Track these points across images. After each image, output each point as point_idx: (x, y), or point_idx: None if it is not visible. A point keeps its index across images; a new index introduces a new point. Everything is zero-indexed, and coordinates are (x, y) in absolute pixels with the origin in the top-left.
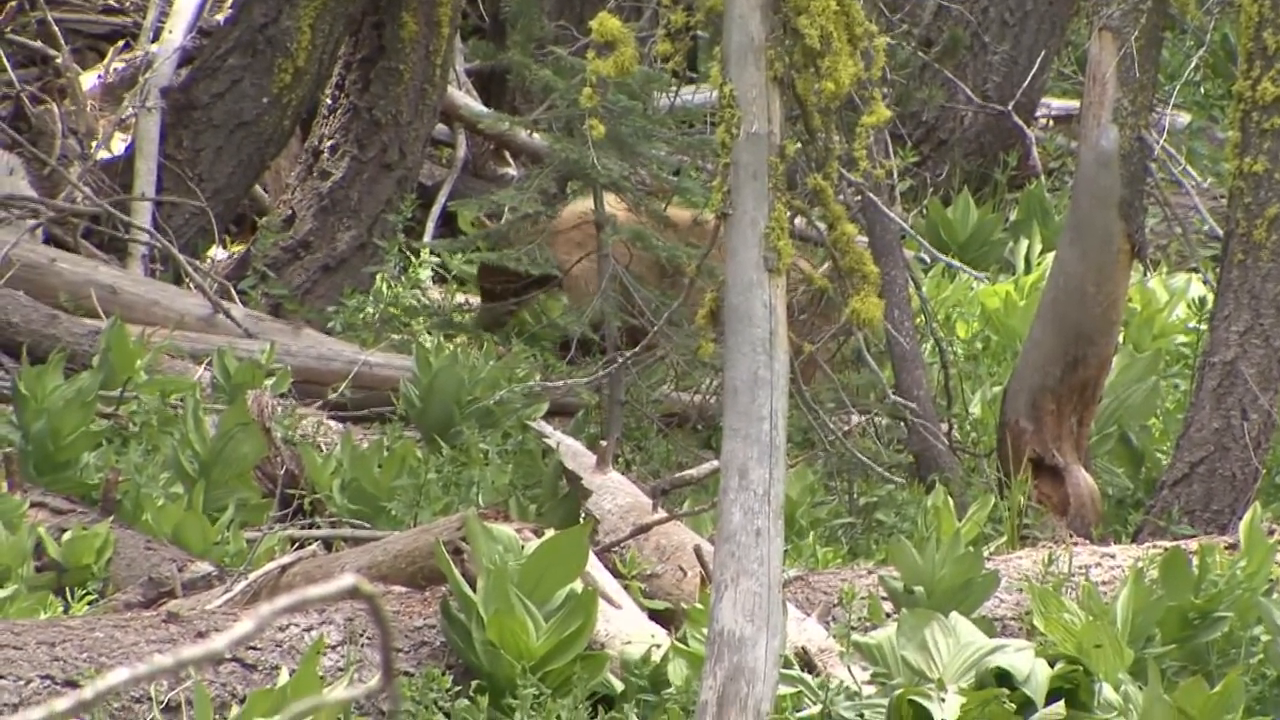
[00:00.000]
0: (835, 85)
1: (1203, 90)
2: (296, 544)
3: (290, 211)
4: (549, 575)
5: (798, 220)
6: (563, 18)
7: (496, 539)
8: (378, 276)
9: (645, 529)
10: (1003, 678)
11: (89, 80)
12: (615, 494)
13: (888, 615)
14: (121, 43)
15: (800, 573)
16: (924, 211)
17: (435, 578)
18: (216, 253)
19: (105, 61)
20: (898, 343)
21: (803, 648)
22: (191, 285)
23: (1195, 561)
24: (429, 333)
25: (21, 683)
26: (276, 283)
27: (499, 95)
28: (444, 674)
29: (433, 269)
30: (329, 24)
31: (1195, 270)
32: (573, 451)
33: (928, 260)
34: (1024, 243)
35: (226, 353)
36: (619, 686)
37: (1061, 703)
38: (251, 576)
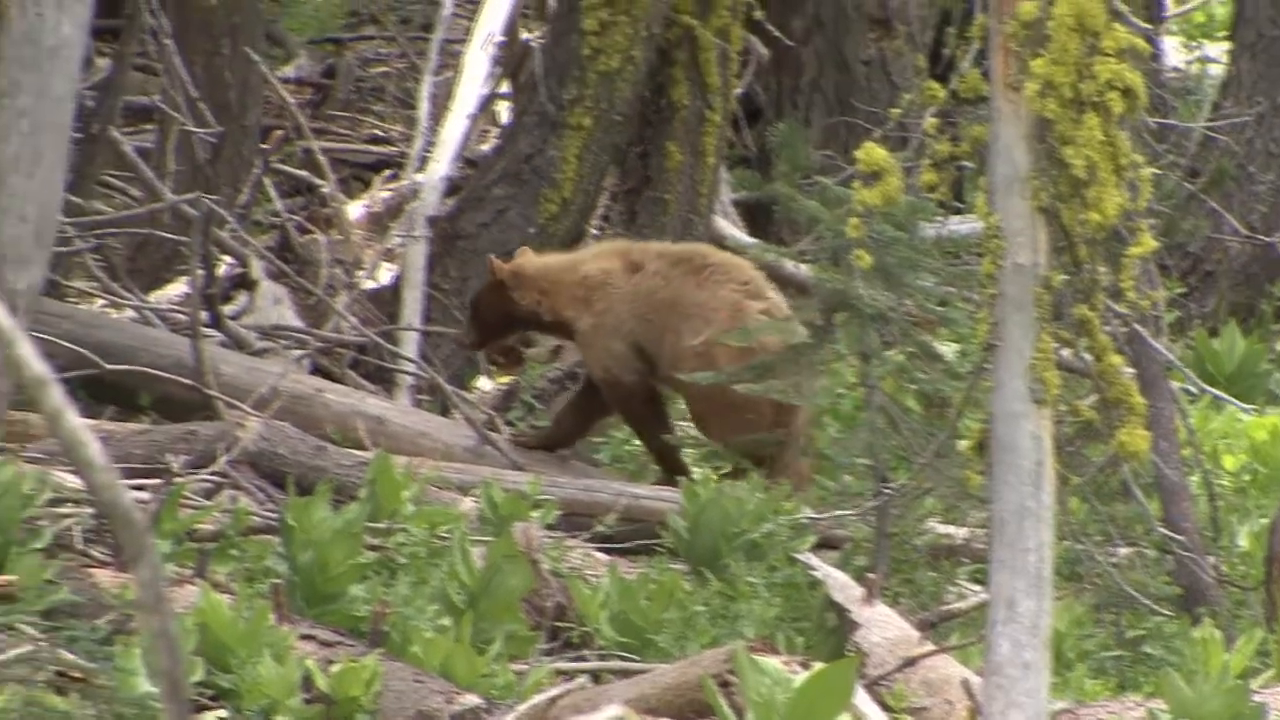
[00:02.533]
0: (1101, 216)
1: None
2: (564, 676)
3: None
4: (817, 708)
5: (1064, 351)
6: (828, 147)
7: (764, 672)
8: None
9: (913, 662)
10: None
11: (355, 210)
12: (883, 627)
13: None
14: (387, 172)
15: (1068, 705)
16: (1190, 343)
17: (703, 710)
18: (483, 383)
19: (371, 191)
20: (1164, 474)
21: None
22: (459, 416)
23: None
24: (697, 465)
25: None
26: (544, 414)
27: (765, 225)
28: None
29: None
30: (594, 154)
31: None
32: (840, 584)
33: (1194, 392)
34: None
35: (493, 484)
36: None
37: None
38: (520, 709)
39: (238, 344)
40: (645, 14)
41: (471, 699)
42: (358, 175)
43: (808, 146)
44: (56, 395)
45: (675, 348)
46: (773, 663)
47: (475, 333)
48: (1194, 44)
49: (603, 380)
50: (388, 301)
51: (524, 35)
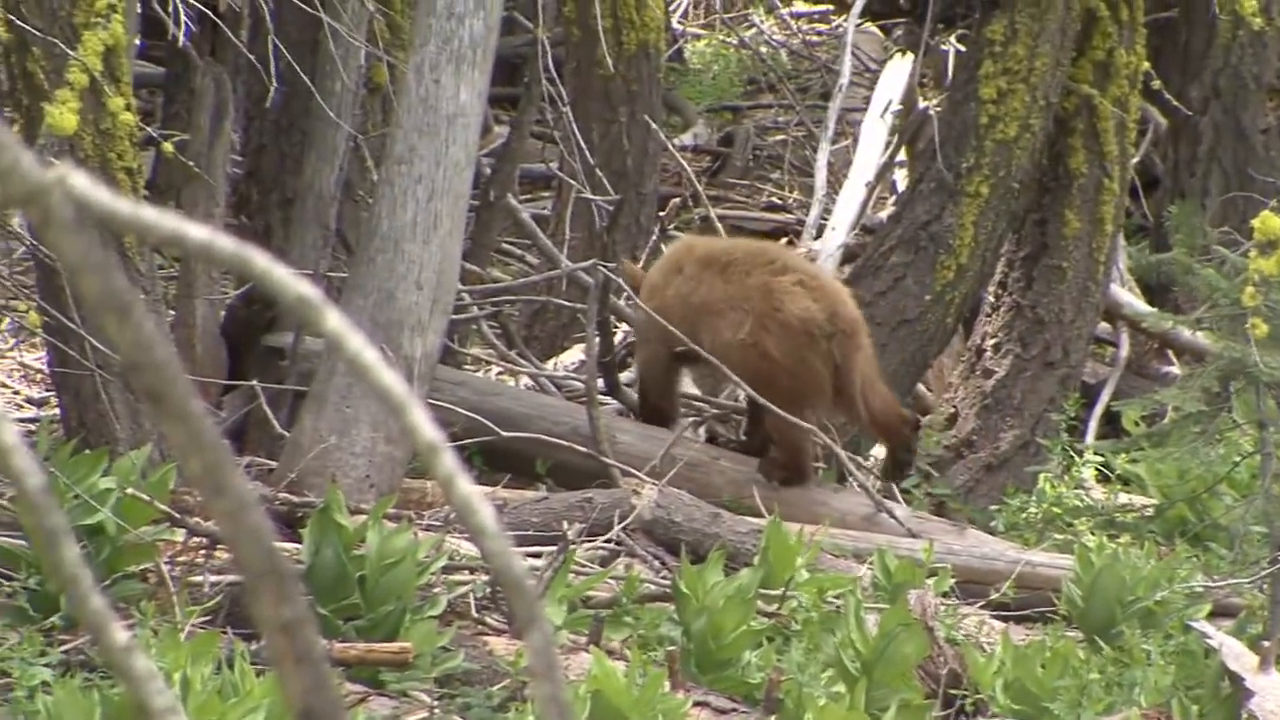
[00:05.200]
0: None
1: None
2: None
3: (953, 410)
4: None
5: None
6: (1226, 218)
7: None
8: (1040, 476)
9: None
10: None
11: None
12: (1278, 694)
13: None
14: (784, 240)
15: None
16: None
17: None
18: (879, 451)
19: None
20: None
21: None
22: (854, 484)
23: None
24: (1091, 533)
25: None
26: (940, 481)
27: (1162, 294)
28: None
29: (1096, 469)
30: (992, 221)
31: None
32: (1235, 652)
33: None
34: None
35: (886, 551)
36: None
37: None
38: None
39: (633, 412)
40: (1043, 83)
41: None
42: None
43: (1204, 224)
44: (449, 462)
45: (718, 343)
46: None
47: None
48: None
49: (639, 370)
50: None
51: (921, 104)
